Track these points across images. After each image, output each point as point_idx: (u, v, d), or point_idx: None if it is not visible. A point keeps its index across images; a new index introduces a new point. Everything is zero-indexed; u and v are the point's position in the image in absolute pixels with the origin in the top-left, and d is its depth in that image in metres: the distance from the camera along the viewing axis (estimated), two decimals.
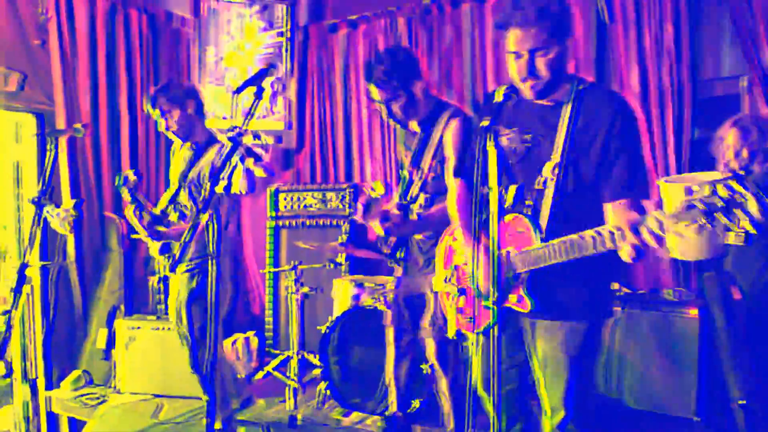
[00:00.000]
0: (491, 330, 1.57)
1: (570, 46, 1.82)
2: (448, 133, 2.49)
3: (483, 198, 1.55)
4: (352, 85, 4.96)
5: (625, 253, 1.64)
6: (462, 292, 2.09)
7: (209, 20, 4.85)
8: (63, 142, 3.94)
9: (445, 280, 2.18)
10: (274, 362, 3.91)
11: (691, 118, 3.69)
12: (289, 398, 3.49)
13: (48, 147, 2.68)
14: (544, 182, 1.87)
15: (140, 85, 4.51)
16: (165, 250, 2.80)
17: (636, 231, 1.58)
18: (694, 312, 3.08)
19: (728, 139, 2.44)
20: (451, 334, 2.09)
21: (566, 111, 1.86)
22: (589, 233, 1.69)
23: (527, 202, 1.88)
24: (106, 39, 4.31)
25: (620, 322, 3.25)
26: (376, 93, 2.50)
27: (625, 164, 1.82)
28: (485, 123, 1.57)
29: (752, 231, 1.37)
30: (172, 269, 2.72)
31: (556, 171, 1.84)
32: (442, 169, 2.51)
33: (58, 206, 2.76)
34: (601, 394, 3.25)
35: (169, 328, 3.73)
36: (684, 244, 2.78)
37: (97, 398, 3.83)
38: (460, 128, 2.48)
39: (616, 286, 3.54)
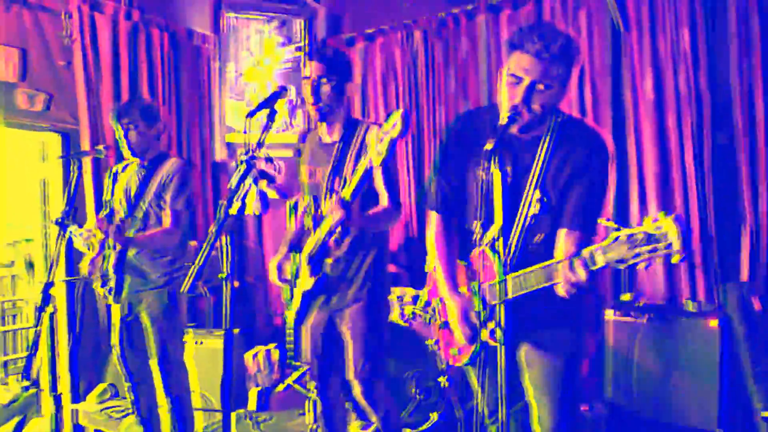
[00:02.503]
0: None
1: (566, 88, 1.77)
2: None
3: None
4: (369, 96, 5.00)
5: (560, 287, 1.60)
6: (445, 325, 2.02)
7: (229, 37, 4.95)
8: (87, 162, 4.03)
9: (425, 310, 2.13)
10: (295, 375, 3.95)
11: (711, 125, 3.66)
12: (309, 411, 3.51)
13: (72, 168, 2.77)
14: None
15: (161, 103, 4.60)
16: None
17: (570, 267, 1.54)
18: (714, 323, 3.04)
19: None
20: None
21: (543, 145, 1.81)
22: (550, 263, 1.65)
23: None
24: (128, 58, 4.40)
25: (640, 332, 3.22)
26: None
27: (588, 199, 1.79)
28: (489, 146, 1.56)
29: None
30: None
31: (531, 202, 1.80)
32: None
33: (81, 226, 2.84)
34: (619, 405, 3.23)
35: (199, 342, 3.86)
36: None
37: (122, 411, 3.91)
38: None
39: (628, 297, 3.51)
